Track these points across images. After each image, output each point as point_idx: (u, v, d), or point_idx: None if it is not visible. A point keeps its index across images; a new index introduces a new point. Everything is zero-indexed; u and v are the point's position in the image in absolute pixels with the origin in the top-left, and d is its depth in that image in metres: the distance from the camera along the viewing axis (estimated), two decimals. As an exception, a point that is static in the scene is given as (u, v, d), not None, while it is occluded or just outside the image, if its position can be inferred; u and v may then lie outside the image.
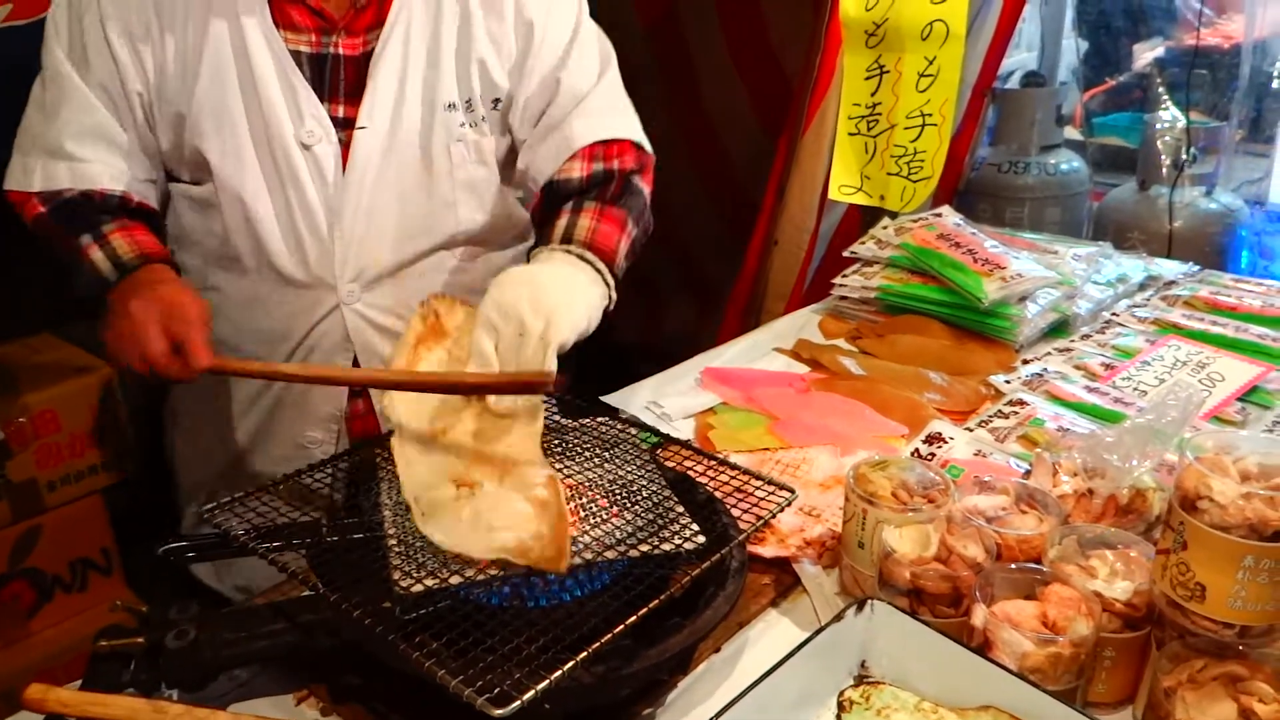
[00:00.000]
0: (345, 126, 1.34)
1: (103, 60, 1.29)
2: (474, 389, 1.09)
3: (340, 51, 1.33)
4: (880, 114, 2.15)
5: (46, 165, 1.31)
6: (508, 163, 1.48)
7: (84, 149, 1.30)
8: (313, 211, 1.35)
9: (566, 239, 1.27)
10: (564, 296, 1.14)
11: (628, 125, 1.42)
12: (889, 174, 2.16)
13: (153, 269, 1.25)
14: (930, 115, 2.08)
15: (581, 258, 1.23)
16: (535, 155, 1.41)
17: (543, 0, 1.39)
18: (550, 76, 1.40)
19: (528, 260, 1.29)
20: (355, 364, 1.43)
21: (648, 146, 1.44)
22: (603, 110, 1.41)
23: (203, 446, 1.54)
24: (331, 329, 1.41)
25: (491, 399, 1.09)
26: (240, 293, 1.41)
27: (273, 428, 1.47)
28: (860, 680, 0.97)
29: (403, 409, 1.10)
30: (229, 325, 1.41)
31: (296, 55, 1.31)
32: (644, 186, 1.41)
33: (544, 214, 1.38)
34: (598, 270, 1.23)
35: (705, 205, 3.21)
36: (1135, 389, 1.58)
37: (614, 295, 1.24)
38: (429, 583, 0.89)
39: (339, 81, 1.33)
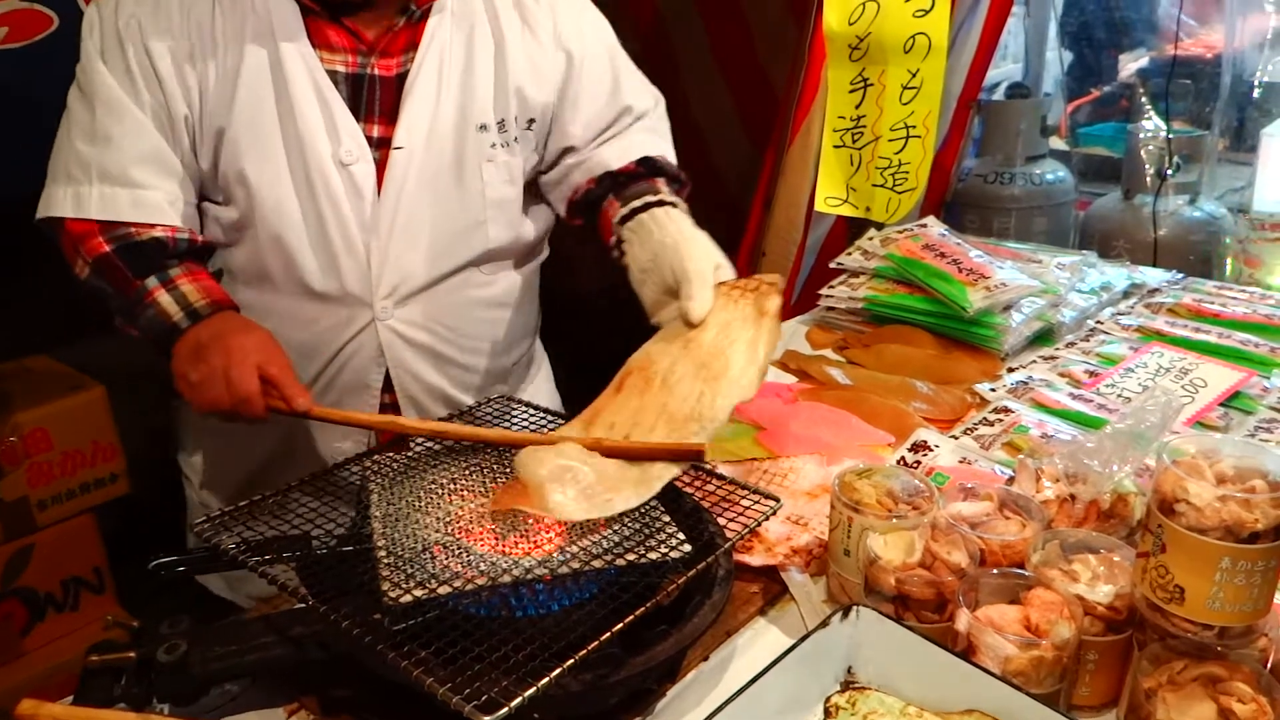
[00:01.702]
0: (380, 146, 1.35)
1: (151, 85, 1.29)
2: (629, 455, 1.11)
3: (376, 73, 1.34)
4: (865, 126, 2.17)
5: (104, 192, 1.28)
6: (531, 181, 1.51)
7: (145, 175, 1.29)
8: (348, 229, 1.36)
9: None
10: None
11: (674, 157, 1.54)
12: (874, 186, 2.18)
13: (227, 315, 1.25)
14: (914, 127, 2.11)
15: None
16: (597, 154, 1.49)
17: (576, 28, 1.46)
18: (611, 100, 1.49)
19: (620, 241, 1.39)
20: (387, 378, 1.44)
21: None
22: (663, 134, 1.55)
23: (228, 461, 1.54)
24: (365, 344, 1.42)
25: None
26: (270, 308, 1.40)
27: (302, 439, 1.47)
28: (846, 686, 0.98)
29: None
30: None
31: (333, 75, 1.33)
32: None
33: (603, 190, 1.46)
34: None
35: (693, 216, 3.23)
36: (1119, 395, 1.60)
37: None
38: (418, 593, 0.90)
39: (374, 102, 1.35)
